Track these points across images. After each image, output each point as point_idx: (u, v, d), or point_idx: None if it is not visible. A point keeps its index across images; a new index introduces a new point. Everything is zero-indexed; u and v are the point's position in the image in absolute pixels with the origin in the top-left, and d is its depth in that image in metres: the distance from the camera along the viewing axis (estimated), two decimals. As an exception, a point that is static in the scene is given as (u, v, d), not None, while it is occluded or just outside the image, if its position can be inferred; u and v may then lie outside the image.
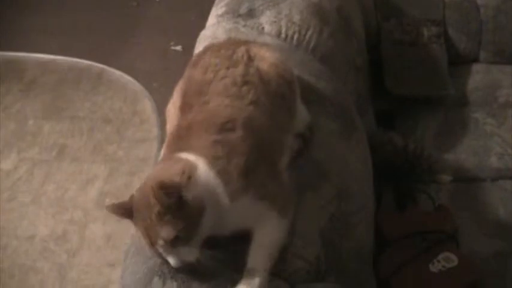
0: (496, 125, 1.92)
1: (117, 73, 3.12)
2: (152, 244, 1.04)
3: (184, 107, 1.22)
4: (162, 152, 1.20)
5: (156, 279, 1.07)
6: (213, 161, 1.08)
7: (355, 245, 1.29)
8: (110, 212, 1.09)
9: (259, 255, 1.08)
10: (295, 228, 1.14)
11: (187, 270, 1.06)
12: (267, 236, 1.10)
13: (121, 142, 2.74)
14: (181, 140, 1.15)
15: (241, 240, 1.10)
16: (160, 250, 1.04)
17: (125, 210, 1.08)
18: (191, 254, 1.04)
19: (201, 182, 1.06)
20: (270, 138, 1.20)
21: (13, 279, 2.27)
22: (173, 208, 1.01)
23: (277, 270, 1.09)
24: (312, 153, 1.31)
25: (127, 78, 3.07)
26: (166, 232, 1.01)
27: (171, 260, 1.04)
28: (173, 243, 1.02)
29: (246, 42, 1.36)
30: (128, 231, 1.18)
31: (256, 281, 1.04)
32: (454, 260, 1.50)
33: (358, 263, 1.30)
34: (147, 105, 2.92)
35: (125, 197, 1.10)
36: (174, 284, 1.06)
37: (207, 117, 1.17)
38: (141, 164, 2.55)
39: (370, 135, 1.66)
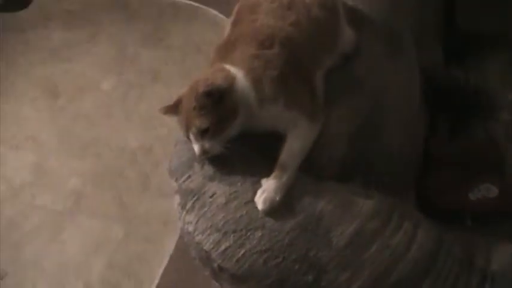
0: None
1: (212, 12, 3.29)
2: (187, 130, 1.23)
3: (236, 23, 1.40)
4: (211, 58, 1.37)
5: (195, 163, 1.26)
6: (249, 72, 1.25)
7: (384, 150, 1.40)
8: (162, 114, 1.30)
9: (290, 153, 1.24)
10: (324, 129, 1.27)
11: (211, 159, 1.23)
12: (297, 138, 1.25)
13: (211, 70, 2.92)
14: (227, 52, 1.33)
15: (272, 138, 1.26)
16: (192, 137, 1.23)
17: (172, 108, 1.29)
18: (214, 147, 1.22)
19: (239, 89, 1.23)
20: (305, 56, 1.34)
21: (104, 182, 2.58)
22: (213, 106, 1.20)
23: (306, 168, 1.23)
24: (352, 69, 1.42)
25: (220, 16, 3.23)
26: (201, 122, 1.20)
27: (196, 148, 1.23)
28: (203, 134, 1.21)
29: None
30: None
31: (285, 175, 1.20)
32: (494, 191, 1.56)
33: (389, 168, 1.41)
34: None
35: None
36: (211, 168, 1.24)
37: (250, 33, 1.33)
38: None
39: (433, 67, 1.72)
